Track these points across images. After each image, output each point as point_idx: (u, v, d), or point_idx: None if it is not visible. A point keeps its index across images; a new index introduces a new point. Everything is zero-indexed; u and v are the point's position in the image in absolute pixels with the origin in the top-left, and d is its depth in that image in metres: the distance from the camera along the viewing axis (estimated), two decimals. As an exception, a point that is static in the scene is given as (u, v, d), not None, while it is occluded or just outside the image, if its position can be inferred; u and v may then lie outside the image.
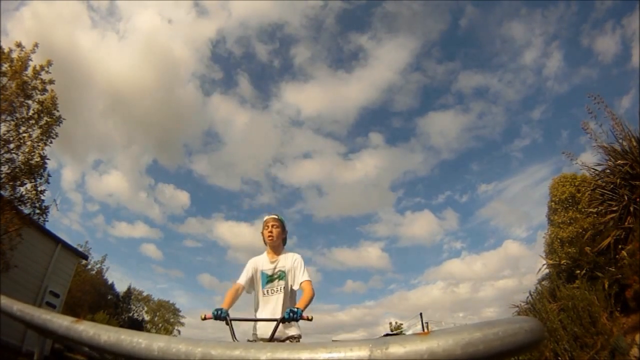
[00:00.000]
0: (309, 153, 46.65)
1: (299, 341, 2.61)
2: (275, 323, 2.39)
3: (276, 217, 2.94)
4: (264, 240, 2.94)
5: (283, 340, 2.60)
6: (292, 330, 2.65)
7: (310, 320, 2.36)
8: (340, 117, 46.10)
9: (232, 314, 2.43)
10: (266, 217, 2.96)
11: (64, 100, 8.49)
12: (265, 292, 2.80)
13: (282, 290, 2.75)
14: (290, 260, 2.83)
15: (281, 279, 2.77)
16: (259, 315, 2.73)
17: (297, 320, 2.35)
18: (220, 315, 2.40)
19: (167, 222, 42.12)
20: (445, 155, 43.12)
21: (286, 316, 2.30)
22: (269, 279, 2.80)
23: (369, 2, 40.25)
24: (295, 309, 2.33)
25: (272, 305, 2.73)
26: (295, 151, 46.27)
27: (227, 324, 2.37)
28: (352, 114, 44.20)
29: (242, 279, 2.82)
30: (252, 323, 2.67)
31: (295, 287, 2.76)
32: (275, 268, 2.83)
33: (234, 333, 2.35)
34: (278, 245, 2.92)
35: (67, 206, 32.97)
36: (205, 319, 2.47)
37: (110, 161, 41.58)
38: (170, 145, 45.19)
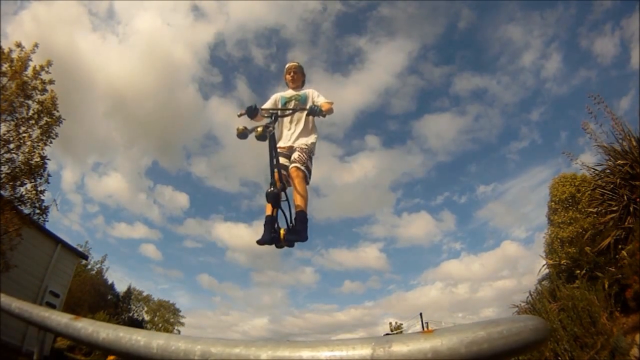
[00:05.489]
0: (307, 155, 46.49)
1: (313, 144, 2.97)
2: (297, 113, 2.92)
3: (296, 64, 3.31)
4: (286, 84, 3.33)
5: (293, 145, 2.92)
6: (312, 138, 2.98)
7: (324, 117, 2.78)
8: (337, 120, 46.13)
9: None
10: (287, 65, 3.32)
11: (65, 102, 8.48)
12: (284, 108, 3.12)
13: (298, 102, 3.11)
14: (309, 90, 3.21)
15: (297, 100, 3.14)
16: (283, 130, 3.02)
17: (317, 114, 2.74)
18: (252, 108, 2.80)
19: (167, 223, 42.17)
20: (442, 157, 43.22)
21: (309, 109, 2.75)
22: (287, 100, 3.19)
23: (366, 5, 40.23)
24: (318, 107, 2.76)
25: (290, 117, 3.02)
26: (294, 152, 46.11)
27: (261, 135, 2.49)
28: (348, 117, 44.20)
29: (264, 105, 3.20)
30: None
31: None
32: (293, 93, 3.22)
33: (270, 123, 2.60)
34: (298, 85, 3.31)
35: (67, 207, 33.07)
36: (240, 115, 2.84)
37: (110, 163, 41.66)
38: (169, 148, 45.24)
